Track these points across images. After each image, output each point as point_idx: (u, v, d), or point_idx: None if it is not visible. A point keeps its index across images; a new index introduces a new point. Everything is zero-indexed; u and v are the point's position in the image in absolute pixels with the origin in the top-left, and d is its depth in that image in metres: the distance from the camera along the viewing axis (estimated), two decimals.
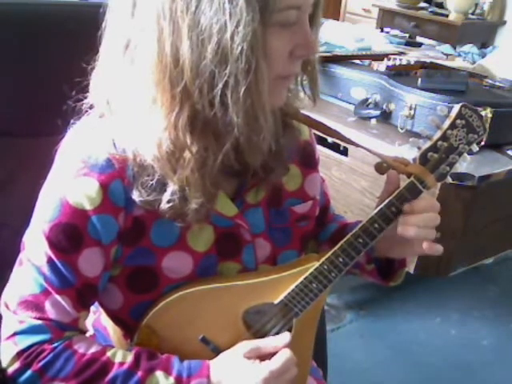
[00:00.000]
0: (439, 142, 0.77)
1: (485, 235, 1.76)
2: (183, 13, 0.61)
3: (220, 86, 0.63)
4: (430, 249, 0.77)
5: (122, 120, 0.70)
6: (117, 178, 0.69)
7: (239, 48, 0.61)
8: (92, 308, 0.81)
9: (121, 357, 0.73)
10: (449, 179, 0.79)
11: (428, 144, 0.77)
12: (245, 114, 0.64)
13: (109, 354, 0.73)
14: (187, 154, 0.67)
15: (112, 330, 0.85)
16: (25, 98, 0.95)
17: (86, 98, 0.74)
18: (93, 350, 0.73)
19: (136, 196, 0.70)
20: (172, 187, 0.69)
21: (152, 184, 0.69)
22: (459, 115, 0.77)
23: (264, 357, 0.75)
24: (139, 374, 0.72)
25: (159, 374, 0.72)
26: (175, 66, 0.63)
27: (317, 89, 0.77)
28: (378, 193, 0.81)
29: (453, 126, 0.77)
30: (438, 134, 0.77)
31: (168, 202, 0.69)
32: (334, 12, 4.02)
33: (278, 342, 0.76)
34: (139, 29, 0.65)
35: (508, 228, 1.82)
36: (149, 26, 0.64)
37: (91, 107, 0.73)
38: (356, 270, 0.92)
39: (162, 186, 0.70)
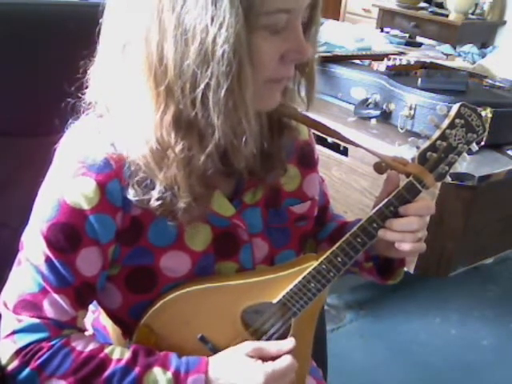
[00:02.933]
0: (438, 142, 0.77)
1: (485, 235, 1.75)
2: (169, 12, 0.61)
3: (202, 86, 0.63)
4: (411, 251, 0.78)
5: (117, 118, 0.70)
6: (114, 177, 0.70)
7: (221, 50, 0.60)
8: (91, 307, 0.81)
9: (119, 353, 0.73)
10: (448, 179, 0.79)
11: (427, 143, 0.77)
12: (226, 117, 0.64)
13: (107, 350, 0.73)
14: (171, 153, 0.67)
15: (111, 329, 0.85)
16: (25, 98, 0.95)
17: (84, 97, 0.74)
18: (91, 347, 0.73)
19: (132, 195, 0.70)
20: (159, 185, 0.69)
21: (147, 183, 0.69)
22: (458, 114, 0.76)
23: (265, 359, 0.75)
24: (137, 369, 0.72)
25: (157, 369, 0.72)
26: (160, 64, 0.64)
27: (313, 90, 0.76)
28: (378, 193, 0.81)
29: (452, 125, 0.77)
30: (437, 134, 0.77)
31: (157, 199, 0.69)
32: (334, 12, 4.01)
33: (283, 346, 0.76)
34: (131, 27, 0.65)
35: (508, 228, 1.82)
36: (139, 24, 0.64)
37: (89, 107, 0.73)
38: (355, 268, 0.92)
39: (154, 185, 0.70)
